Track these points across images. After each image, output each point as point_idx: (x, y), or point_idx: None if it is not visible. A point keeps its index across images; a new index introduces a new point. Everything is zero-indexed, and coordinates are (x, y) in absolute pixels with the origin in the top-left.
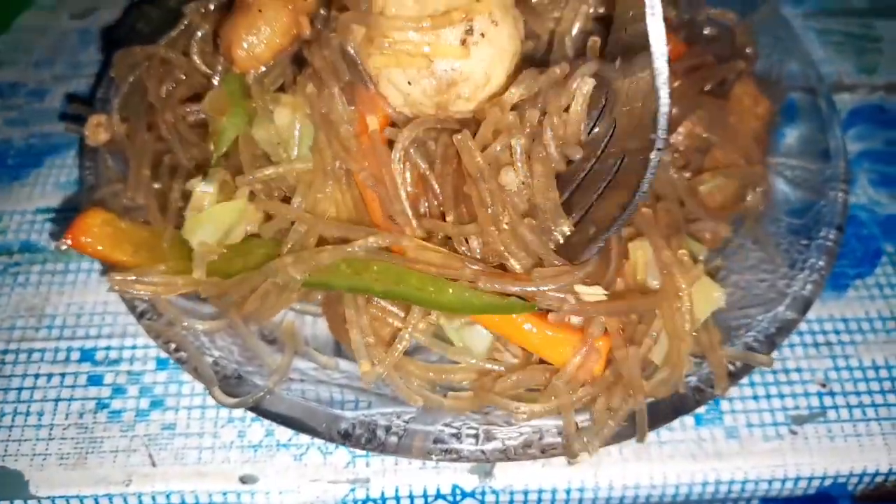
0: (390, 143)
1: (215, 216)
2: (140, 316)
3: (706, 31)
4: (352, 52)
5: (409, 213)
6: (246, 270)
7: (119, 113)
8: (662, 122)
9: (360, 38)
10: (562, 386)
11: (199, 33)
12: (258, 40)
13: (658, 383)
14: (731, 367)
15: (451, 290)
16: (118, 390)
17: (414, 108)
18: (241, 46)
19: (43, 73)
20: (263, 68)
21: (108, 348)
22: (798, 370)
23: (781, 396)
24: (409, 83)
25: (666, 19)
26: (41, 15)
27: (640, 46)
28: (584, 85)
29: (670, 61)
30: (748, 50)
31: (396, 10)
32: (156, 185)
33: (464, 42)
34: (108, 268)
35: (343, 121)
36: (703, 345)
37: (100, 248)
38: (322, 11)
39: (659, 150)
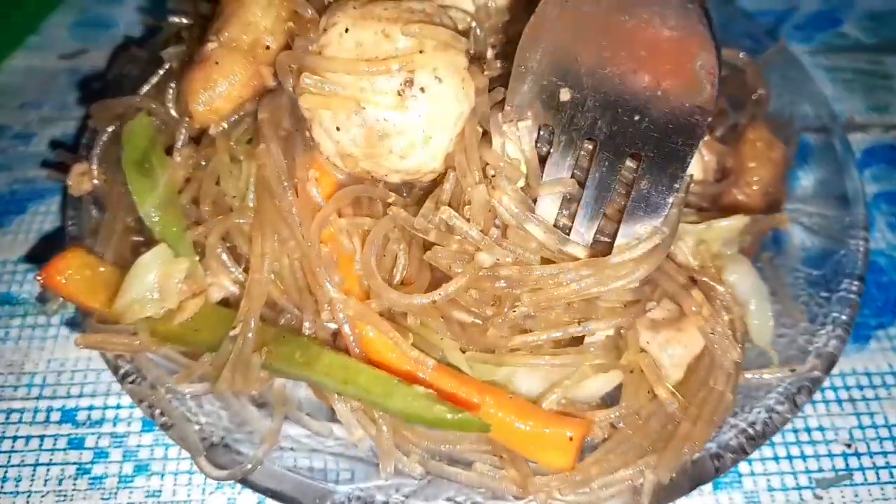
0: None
1: (139, 270)
2: (123, 378)
3: None
4: (291, 94)
5: (334, 294)
6: (213, 345)
7: (99, 164)
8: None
9: (297, 77)
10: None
11: (175, 82)
12: (216, 94)
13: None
14: (750, 431)
15: (398, 397)
16: (100, 454)
17: (345, 159)
18: (198, 101)
19: (30, 116)
20: (224, 124)
21: (90, 408)
22: (821, 429)
23: (804, 458)
24: (337, 129)
25: None
26: (30, 55)
27: None
28: None
29: None
30: (760, 91)
31: (335, 53)
32: (138, 238)
33: (400, 93)
34: (83, 316)
35: (277, 180)
36: None
37: (73, 290)
38: None
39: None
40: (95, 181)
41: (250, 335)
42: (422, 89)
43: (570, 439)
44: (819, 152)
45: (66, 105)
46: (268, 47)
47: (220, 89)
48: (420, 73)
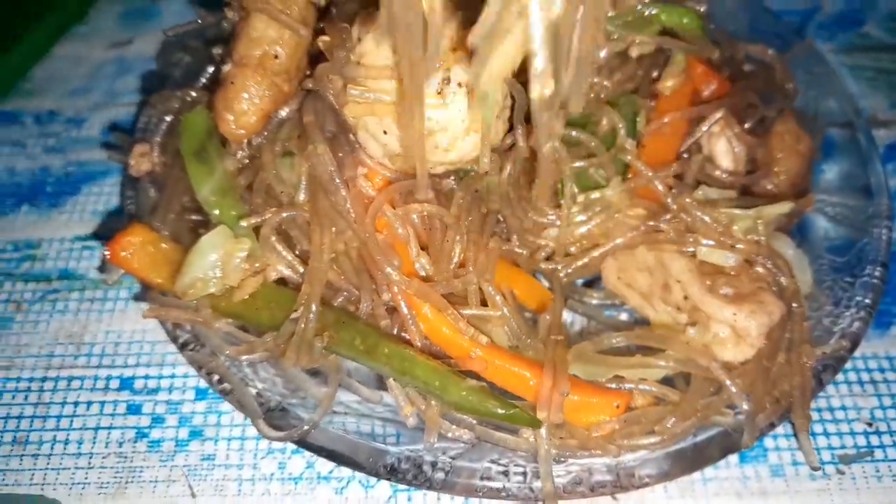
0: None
1: (202, 249)
2: (182, 346)
3: (745, 68)
4: (332, 101)
5: (395, 277)
6: (271, 323)
7: (160, 149)
8: None
9: (339, 88)
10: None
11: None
12: (238, 112)
13: None
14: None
15: (453, 390)
16: (157, 419)
17: (393, 159)
18: (227, 122)
19: (80, 102)
20: (265, 132)
21: (146, 377)
22: (843, 408)
23: (827, 435)
24: (384, 132)
25: (709, 59)
26: (77, 44)
27: None
28: None
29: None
30: (788, 86)
31: (373, 60)
32: (196, 218)
33: (440, 92)
34: (144, 289)
35: (329, 178)
36: None
37: (137, 266)
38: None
39: None
40: (155, 162)
41: (311, 318)
42: (459, 84)
43: (617, 407)
44: (843, 146)
45: (115, 92)
46: (276, 57)
47: (240, 107)
48: (456, 69)
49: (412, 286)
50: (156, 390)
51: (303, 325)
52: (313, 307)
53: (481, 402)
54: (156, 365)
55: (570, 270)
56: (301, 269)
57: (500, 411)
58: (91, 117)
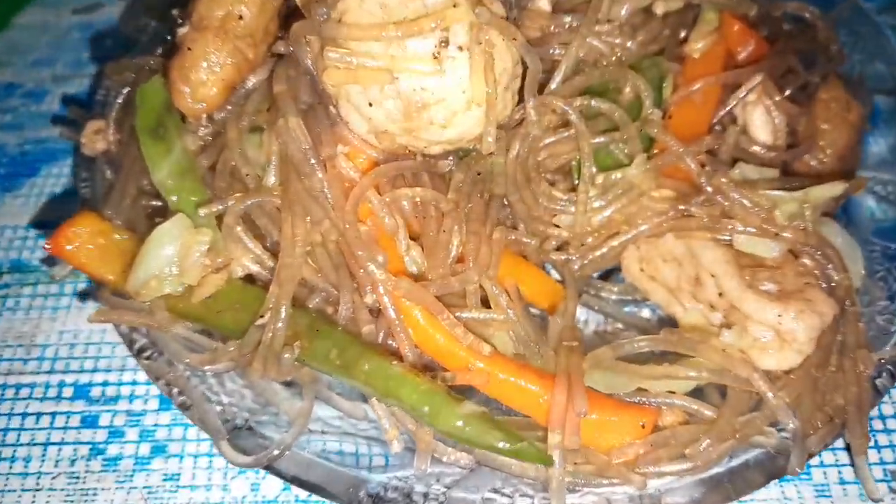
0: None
1: (157, 241)
2: (138, 353)
3: (785, 28)
4: (309, 67)
5: (380, 276)
6: (236, 328)
7: (115, 125)
8: None
9: (317, 51)
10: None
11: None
12: (196, 83)
13: None
14: None
15: (448, 417)
16: (115, 433)
17: (380, 136)
18: (183, 95)
19: (42, 73)
20: (228, 106)
21: (104, 384)
22: None
23: (878, 448)
24: (370, 104)
25: (745, 16)
26: (43, 10)
27: None
28: None
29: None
30: (832, 48)
31: (357, 18)
32: (155, 203)
33: (436, 56)
34: (96, 288)
35: (303, 157)
36: None
37: (84, 260)
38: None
39: None
40: (111, 140)
41: (280, 325)
42: (460, 48)
43: (643, 427)
44: (893, 116)
45: (80, 62)
46: (240, 17)
47: (198, 77)
48: (456, 29)
49: (400, 287)
50: (114, 399)
51: (270, 334)
52: (282, 312)
53: (481, 433)
54: (115, 370)
55: (585, 262)
56: (270, 265)
57: (504, 445)
58: (53, 90)
